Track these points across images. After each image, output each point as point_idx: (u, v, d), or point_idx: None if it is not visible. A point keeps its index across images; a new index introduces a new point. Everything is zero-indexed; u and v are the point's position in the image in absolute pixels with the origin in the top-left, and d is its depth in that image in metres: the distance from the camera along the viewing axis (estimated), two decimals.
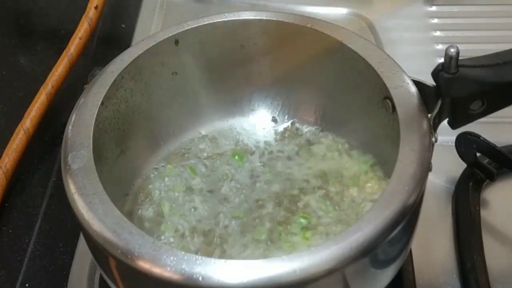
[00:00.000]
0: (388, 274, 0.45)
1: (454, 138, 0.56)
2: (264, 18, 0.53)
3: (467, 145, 0.56)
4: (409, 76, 0.47)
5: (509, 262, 0.54)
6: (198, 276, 0.37)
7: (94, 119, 0.46)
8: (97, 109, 0.47)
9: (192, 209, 0.51)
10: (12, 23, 0.78)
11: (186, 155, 0.56)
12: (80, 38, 0.67)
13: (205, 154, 0.56)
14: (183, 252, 0.38)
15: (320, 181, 0.52)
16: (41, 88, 0.63)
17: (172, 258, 0.38)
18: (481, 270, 0.52)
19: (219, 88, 0.57)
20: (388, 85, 0.47)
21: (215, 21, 0.53)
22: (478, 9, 0.78)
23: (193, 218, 0.51)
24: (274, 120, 0.58)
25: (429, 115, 0.45)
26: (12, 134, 0.60)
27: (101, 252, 0.40)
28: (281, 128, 0.58)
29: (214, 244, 0.49)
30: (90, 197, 0.41)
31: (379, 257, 0.41)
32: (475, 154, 0.56)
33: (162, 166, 0.55)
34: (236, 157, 0.55)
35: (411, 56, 0.70)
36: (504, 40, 0.72)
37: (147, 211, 0.52)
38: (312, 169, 0.53)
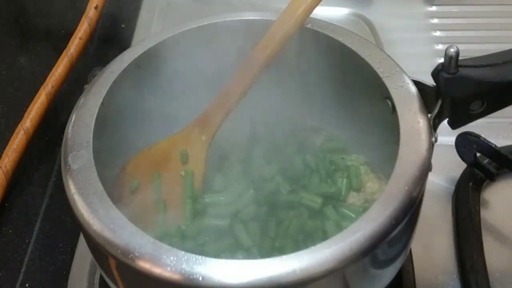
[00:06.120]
0: (388, 274, 0.45)
1: (454, 138, 0.56)
2: (265, 18, 0.53)
3: (467, 145, 0.56)
4: (409, 76, 0.47)
5: (509, 262, 0.54)
6: (198, 276, 0.37)
7: (94, 119, 0.46)
8: (97, 109, 0.47)
9: None
10: (12, 23, 0.78)
11: None
12: (80, 38, 0.67)
13: None
14: (183, 252, 0.38)
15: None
16: (41, 88, 0.63)
17: (172, 258, 0.38)
18: (481, 270, 0.52)
19: (220, 88, 0.57)
20: (388, 85, 0.47)
21: (215, 21, 0.53)
22: (478, 9, 0.78)
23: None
24: None
25: (429, 115, 0.45)
26: (12, 134, 0.60)
27: (101, 252, 0.40)
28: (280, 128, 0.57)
29: None
30: (90, 197, 0.41)
31: (379, 257, 0.41)
32: (475, 154, 0.56)
33: None
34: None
35: (411, 56, 0.69)
36: (504, 40, 0.72)
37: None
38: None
